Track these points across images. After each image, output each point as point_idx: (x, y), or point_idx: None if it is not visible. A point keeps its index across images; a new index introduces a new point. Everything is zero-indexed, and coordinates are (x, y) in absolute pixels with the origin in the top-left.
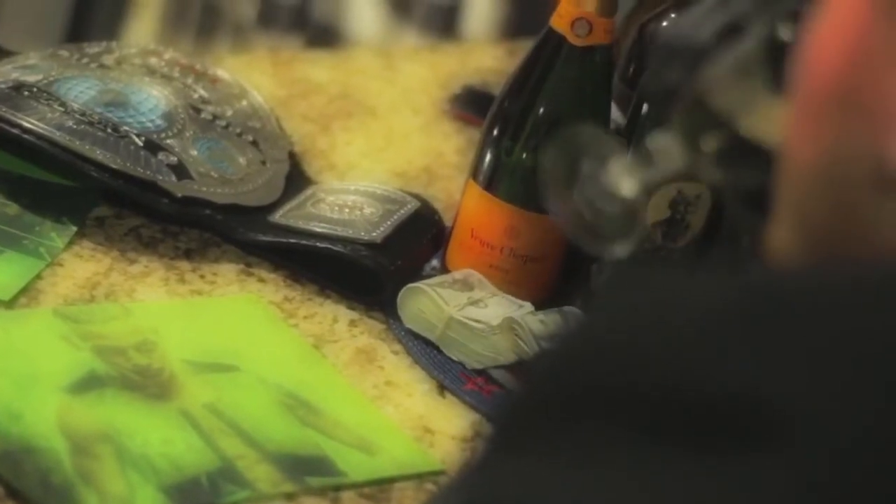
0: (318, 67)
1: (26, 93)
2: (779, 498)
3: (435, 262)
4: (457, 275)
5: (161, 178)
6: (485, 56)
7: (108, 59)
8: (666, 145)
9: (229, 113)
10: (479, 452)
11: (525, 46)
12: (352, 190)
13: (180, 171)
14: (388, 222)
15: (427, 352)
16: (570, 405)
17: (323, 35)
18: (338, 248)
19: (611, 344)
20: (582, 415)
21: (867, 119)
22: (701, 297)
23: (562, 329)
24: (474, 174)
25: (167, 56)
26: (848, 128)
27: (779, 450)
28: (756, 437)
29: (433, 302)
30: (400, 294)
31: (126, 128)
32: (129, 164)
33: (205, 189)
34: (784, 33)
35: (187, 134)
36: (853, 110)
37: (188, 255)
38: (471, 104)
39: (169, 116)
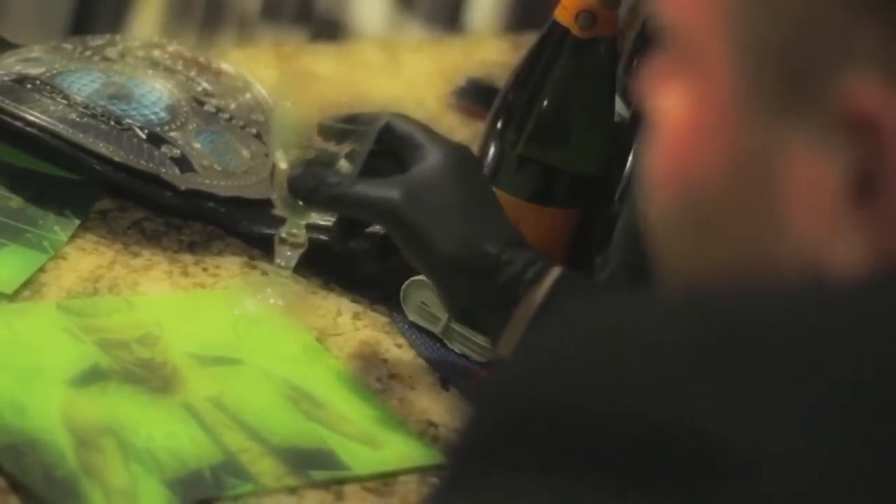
0: (322, 60)
1: (29, 85)
2: None
3: None
4: None
5: (164, 170)
6: (489, 49)
7: (112, 52)
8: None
9: (233, 106)
10: (436, 488)
11: (529, 39)
12: None
13: (183, 163)
14: None
15: (431, 345)
16: (519, 444)
17: (327, 28)
18: None
19: (561, 379)
20: (532, 453)
21: (778, 225)
22: (650, 326)
23: (510, 358)
24: None
25: (170, 49)
26: (755, 237)
27: (735, 494)
28: (711, 479)
29: (436, 295)
30: (403, 287)
31: (129, 121)
32: (132, 157)
33: (208, 182)
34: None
35: (190, 127)
36: (757, 218)
37: (191, 248)
38: (475, 97)
39: (172, 109)
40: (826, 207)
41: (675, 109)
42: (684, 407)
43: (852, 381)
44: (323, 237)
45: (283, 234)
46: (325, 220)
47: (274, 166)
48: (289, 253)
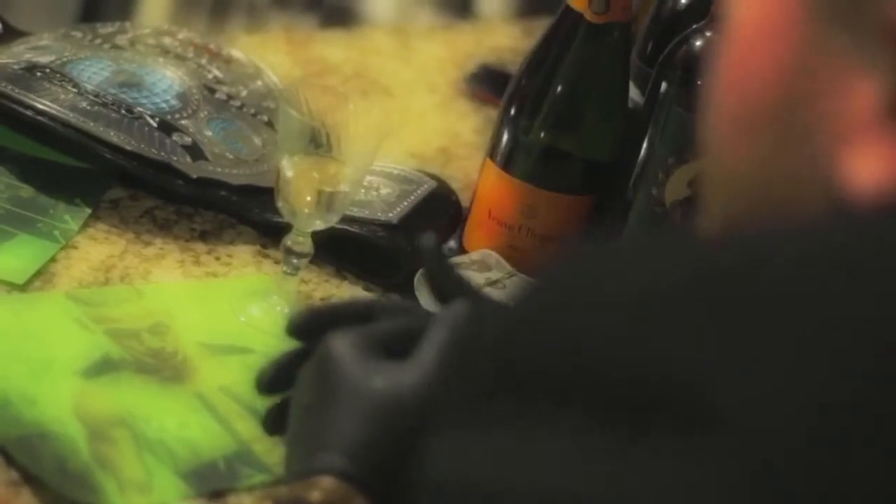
0: (333, 47)
1: (39, 74)
2: (714, 486)
3: (452, 243)
4: (474, 255)
5: (175, 159)
6: (501, 35)
7: (122, 40)
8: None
9: (244, 93)
10: (438, 428)
11: (542, 25)
12: None
13: (195, 151)
14: (405, 203)
15: None
16: (512, 383)
17: (338, 14)
18: (354, 229)
19: (553, 321)
20: (523, 392)
21: (810, 136)
22: (644, 273)
23: (505, 303)
24: (491, 154)
25: (181, 36)
26: (788, 145)
27: (715, 436)
28: (695, 421)
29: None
30: (417, 276)
31: (140, 109)
32: (143, 146)
33: (220, 170)
34: None
35: (202, 114)
36: (793, 126)
37: (203, 236)
38: (487, 83)
39: (183, 97)
40: (862, 123)
41: (746, 11)
42: (671, 353)
43: (847, 335)
44: (340, 226)
45: (289, 243)
46: (333, 224)
47: (279, 175)
48: (294, 261)
